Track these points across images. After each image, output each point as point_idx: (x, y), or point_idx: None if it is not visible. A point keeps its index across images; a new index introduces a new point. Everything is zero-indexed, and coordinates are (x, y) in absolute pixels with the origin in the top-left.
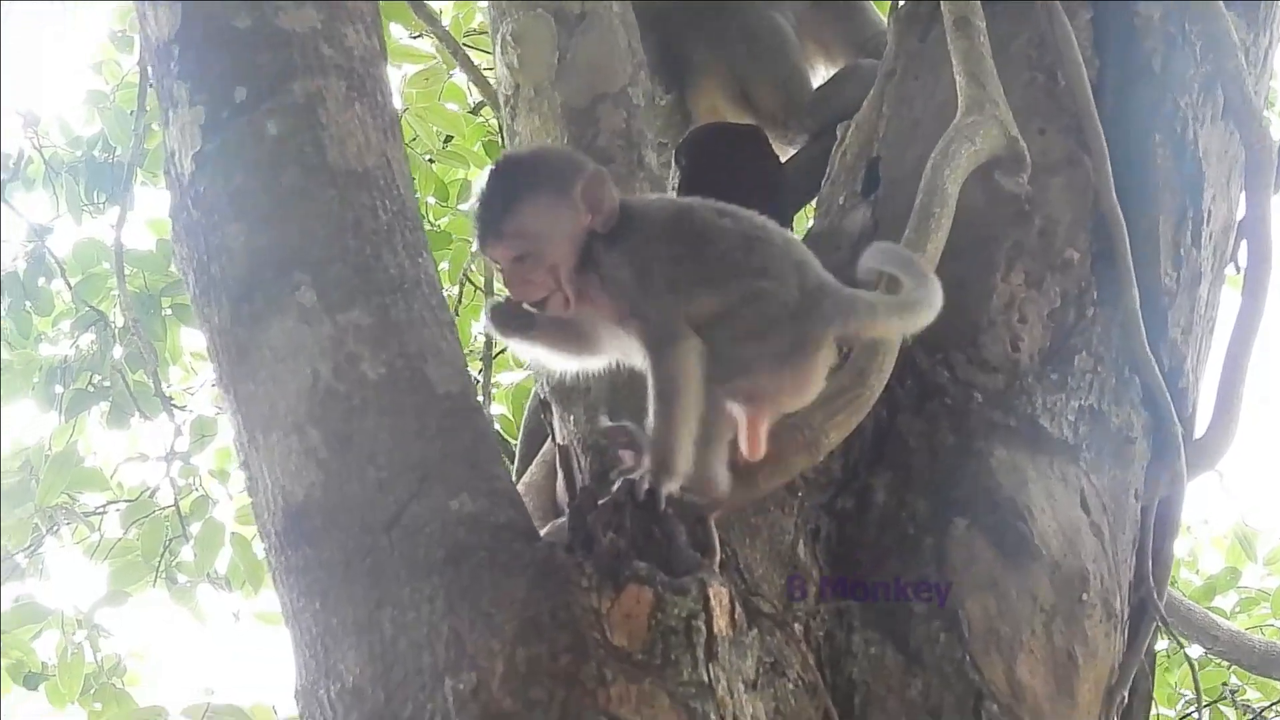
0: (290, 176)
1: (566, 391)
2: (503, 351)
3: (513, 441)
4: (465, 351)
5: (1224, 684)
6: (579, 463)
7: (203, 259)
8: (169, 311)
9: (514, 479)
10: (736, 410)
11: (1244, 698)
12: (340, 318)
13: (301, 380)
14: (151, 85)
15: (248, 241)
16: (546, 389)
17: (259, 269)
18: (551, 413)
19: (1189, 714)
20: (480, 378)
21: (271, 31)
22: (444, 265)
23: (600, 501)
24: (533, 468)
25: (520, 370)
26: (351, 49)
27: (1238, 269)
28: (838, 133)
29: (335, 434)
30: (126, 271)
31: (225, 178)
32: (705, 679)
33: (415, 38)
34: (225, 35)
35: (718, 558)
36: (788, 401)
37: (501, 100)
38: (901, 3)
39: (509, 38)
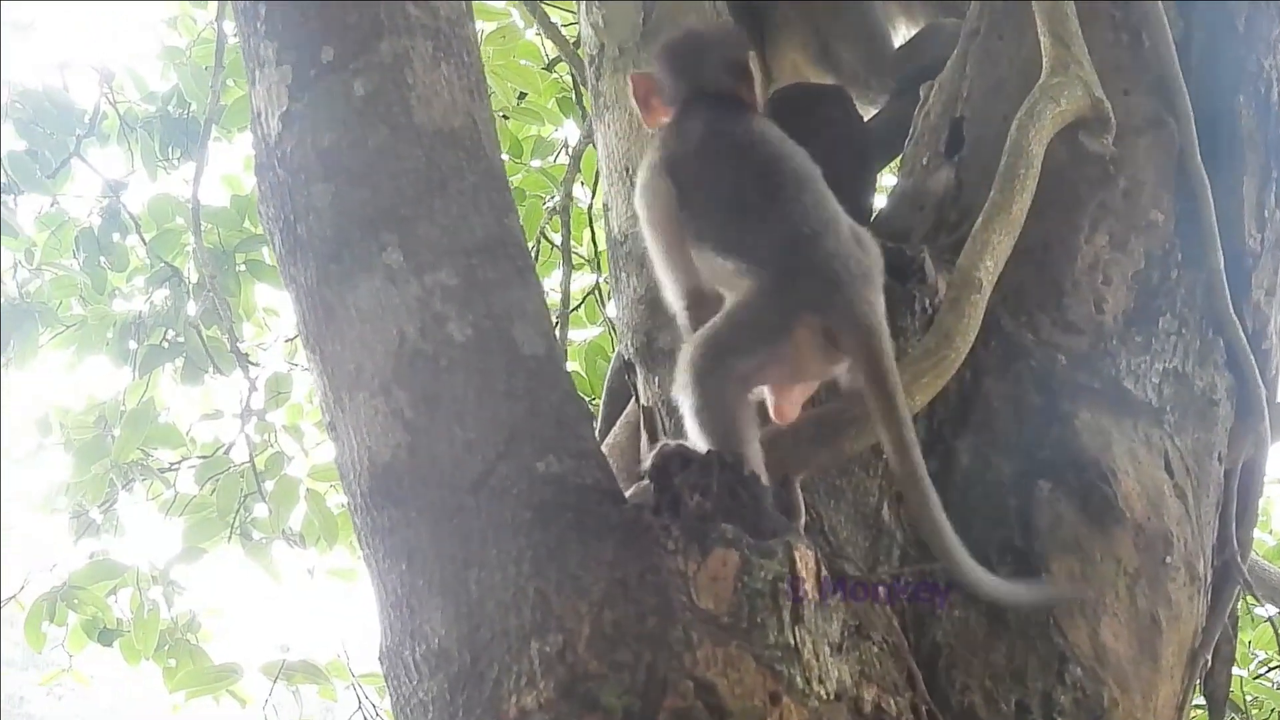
0: (377, 136)
1: (651, 353)
2: (577, 308)
3: (586, 399)
4: None
5: None
6: (664, 424)
7: (289, 219)
8: (243, 268)
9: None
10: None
11: None
12: (427, 278)
13: (388, 341)
14: (233, 41)
15: (335, 201)
16: (631, 350)
17: (346, 229)
18: (635, 374)
19: (1261, 674)
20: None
21: None
22: None
23: (687, 462)
24: (616, 429)
25: (594, 327)
26: (437, 9)
27: None
28: (921, 92)
29: (422, 395)
30: (202, 228)
31: (313, 137)
32: (791, 642)
33: None
34: None
35: (802, 520)
36: (780, 381)
37: (586, 60)
38: None
39: None
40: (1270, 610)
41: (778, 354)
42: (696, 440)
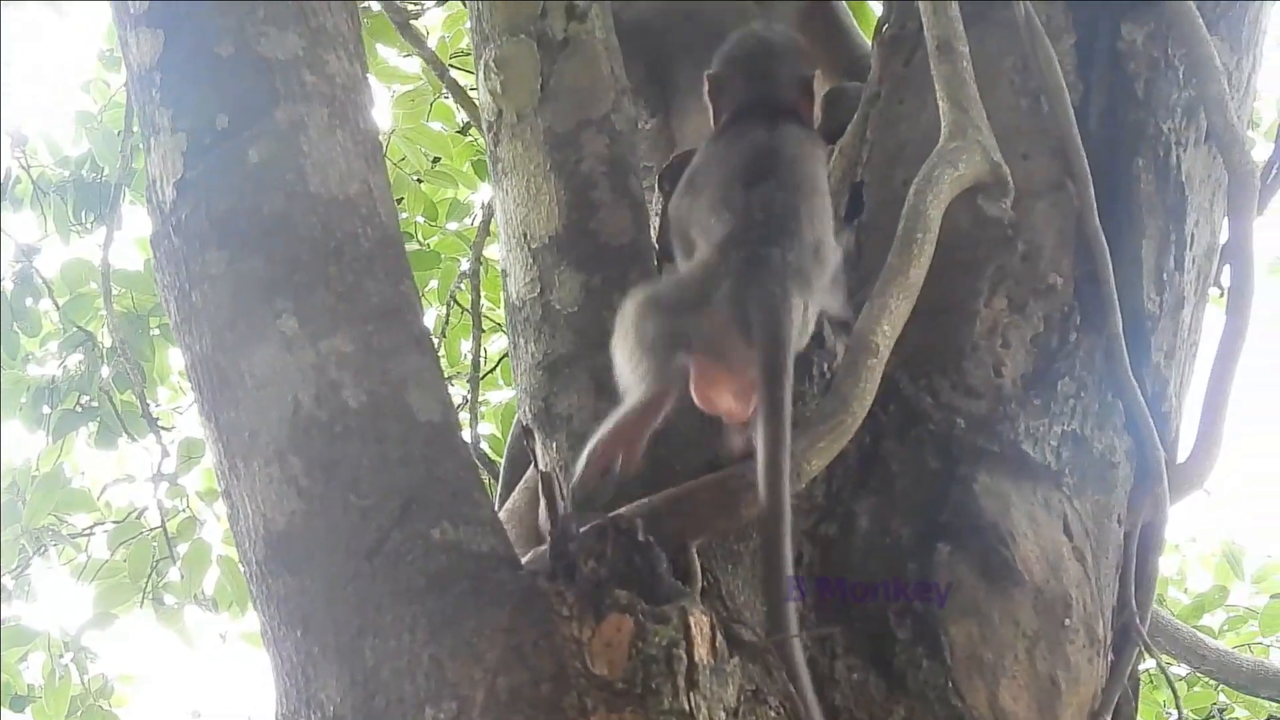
0: (272, 204)
1: (549, 418)
2: (491, 371)
3: (499, 461)
4: (453, 371)
5: (1213, 703)
6: (561, 490)
7: (184, 286)
8: (156, 331)
9: (497, 505)
10: None
11: (1232, 716)
12: (322, 345)
13: (283, 408)
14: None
15: (230, 269)
16: (529, 416)
17: (241, 296)
18: (534, 439)
19: None
20: (468, 396)
21: (254, 59)
22: (432, 284)
23: (582, 529)
24: (515, 494)
25: (508, 389)
26: (334, 76)
27: (1221, 292)
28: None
29: (317, 462)
30: (114, 291)
31: (207, 205)
32: (686, 707)
33: (405, 57)
34: (208, 62)
35: (699, 585)
36: (701, 351)
37: (485, 126)
38: (885, 27)
39: (492, 64)
40: (1184, 670)
41: (699, 320)
42: (620, 382)
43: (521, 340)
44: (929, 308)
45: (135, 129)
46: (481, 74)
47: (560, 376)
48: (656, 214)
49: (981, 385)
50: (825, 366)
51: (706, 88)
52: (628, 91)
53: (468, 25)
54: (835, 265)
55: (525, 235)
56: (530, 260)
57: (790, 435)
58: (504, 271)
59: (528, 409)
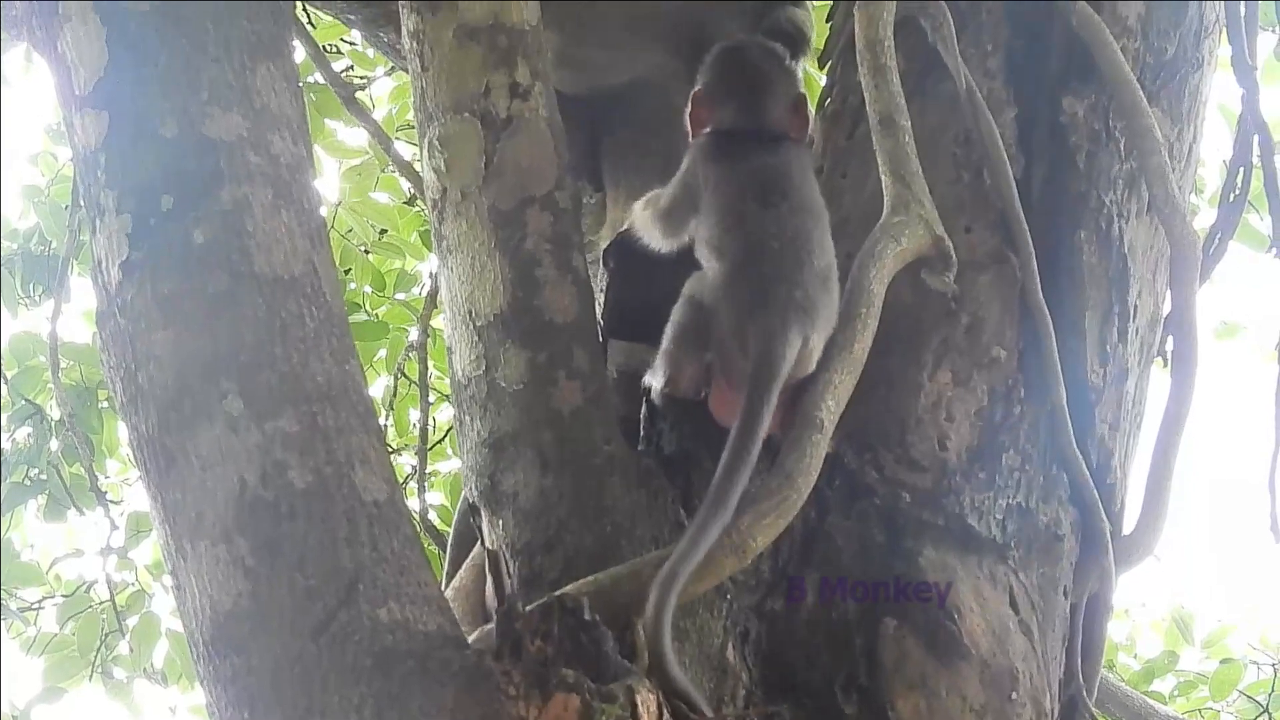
0: (217, 284)
1: (495, 496)
2: (440, 441)
3: (447, 532)
4: (401, 442)
5: None
6: (508, 568)
7: (130, 367)
8: (105, 404)
9: (444, 582)
10: None
11: None
12: (267, 426)
13: (229, 488)
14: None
15: (175, 349)
16: (475, 493)
17: (186, 377)
18: (480, 517)
19: None
20: (416, 466)
21: (198, 139)
22: (380, 354)
23: (528, 608)
24: (462, 572)
25: (456, 459)
26: (278, 156)
27: (1165, 362)
28: None
29: (263, 542)
30: (62, 364)
31: (152, 285)
32: None
33: (352, 129)
34: (152, 143)
35: (645, 662)
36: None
37: (430, 203)
38: (828, 101)
39: (436, 142)
40: None
41: (713, 341)
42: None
43: (467, 417)
44: (873, 381)
45: (82, 203)
46: (425, 152)
47: (506, 454)
48: (601, 290)
49: (926, 459)
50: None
51: (692, 103)
52: (571, 169)
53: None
54: (828, 272)
55: (470, 312)
56: (475, 337)
57: (752, 461)
58: (450, 349)
59: (474, 486)
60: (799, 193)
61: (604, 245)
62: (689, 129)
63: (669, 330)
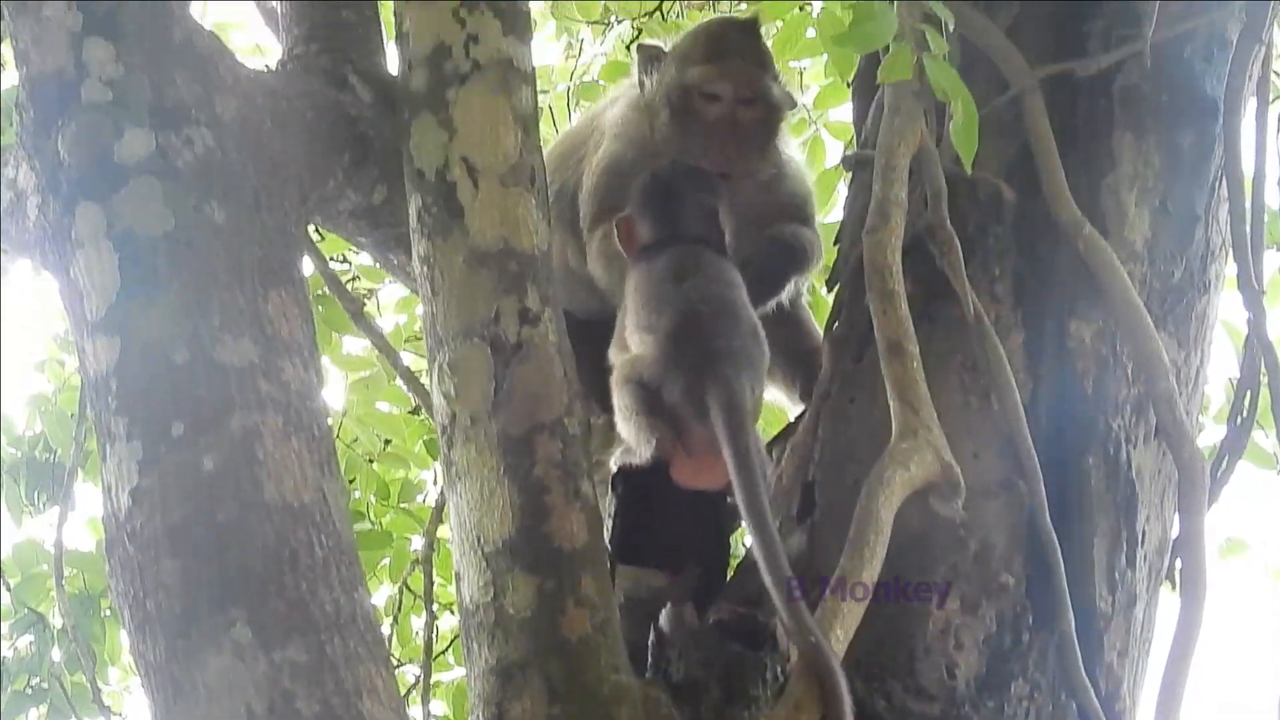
0: (226, 512)
1: None
2: (443, 653)
3: None
4: (404, 653)
5: None
6: None
7: (139, 595)
8: (108, 613)
9: None
10: None
11: None
12: (276, 655)
13: (236, 718)
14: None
15: (183, 578)
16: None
17: (194, 605)
18: None
19: None
20: (420, 676)
21: (209, 366)
22: (385, 561)
23: None
24: None
25: (460, 668)
26: (289, 383)
27: (1174, 587)
28: (771, 454)
29: None
30: (66, 573)
31: (162, 514)
32: None
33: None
34: (163, 370)
35: None
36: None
37: (439, 429)
38: (836, 325)
39: (446, 367)
40: None
41: (663, 418)
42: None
43: (475, 644)
44: (882, 609)
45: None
46: (435, 377)
47: (513, 682)
48: (609, 515)
49: (935, 687)
50: (779, 669)
51: (619, 229)
52: (579, 395)
53: (420, 311)
54: (758, 327)
55: (479, 539)
56: (484, 564)
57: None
58: (457, 574)
59: (480, 715)
60: (712, 267)
61: (613, 465)
62: (624, 254)
63: (617, 416)
